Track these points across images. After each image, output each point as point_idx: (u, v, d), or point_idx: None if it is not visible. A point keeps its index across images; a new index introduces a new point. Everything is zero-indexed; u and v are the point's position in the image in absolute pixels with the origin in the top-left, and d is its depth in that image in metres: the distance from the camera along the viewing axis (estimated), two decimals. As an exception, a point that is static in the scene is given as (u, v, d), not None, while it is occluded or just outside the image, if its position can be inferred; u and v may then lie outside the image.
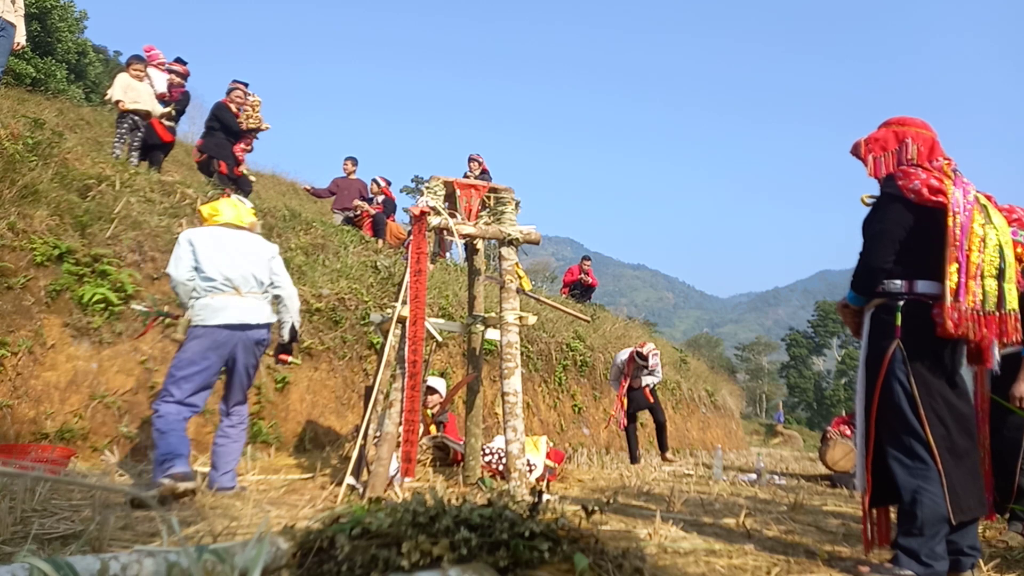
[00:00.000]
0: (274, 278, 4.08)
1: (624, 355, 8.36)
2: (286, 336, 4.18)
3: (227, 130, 8.37)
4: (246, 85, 8.98)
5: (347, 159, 11.19)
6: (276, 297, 4.11)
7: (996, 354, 2.67)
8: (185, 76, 8.90)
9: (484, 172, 11.18)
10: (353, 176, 11.17)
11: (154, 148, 8.37)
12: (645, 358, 8.10)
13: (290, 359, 4.42)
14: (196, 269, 3.83)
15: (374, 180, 11.24)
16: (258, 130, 8.83)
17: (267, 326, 3.99)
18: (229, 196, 4.52)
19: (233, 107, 8.61)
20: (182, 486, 3.33)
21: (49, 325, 4.89)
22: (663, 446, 8.59)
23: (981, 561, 2.65)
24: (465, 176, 10.68)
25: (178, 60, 8.99)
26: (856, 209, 2.95)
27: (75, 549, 2.22)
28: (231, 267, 3.86)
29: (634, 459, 8.17)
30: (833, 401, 55.87)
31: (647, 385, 8.26)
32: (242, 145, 8.63)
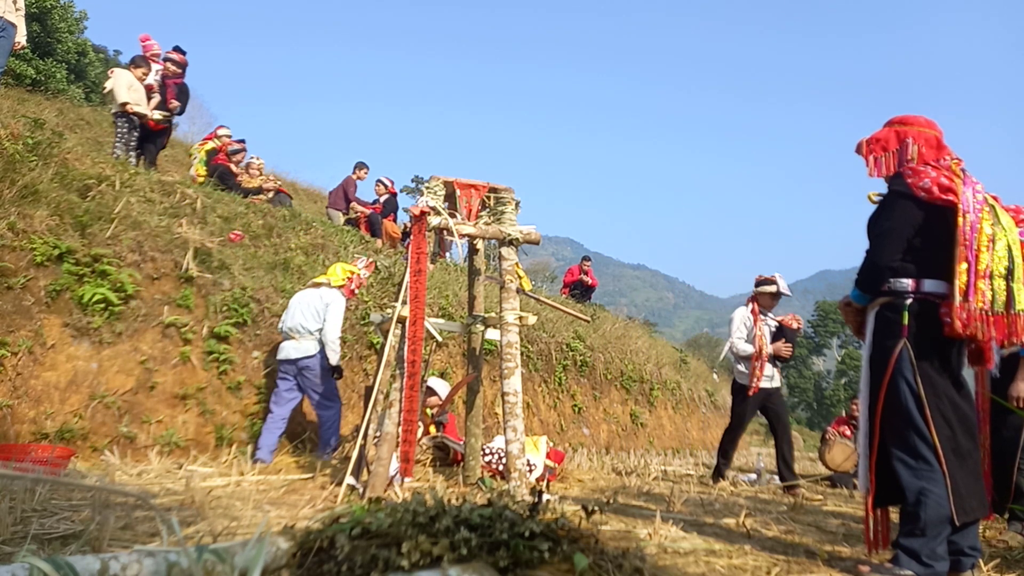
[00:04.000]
0: (323, 323, 5.43)
1: (741, 310, 6.25)
2: (328, 363, 5.49)
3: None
4: (242, 141, 9.59)
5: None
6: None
7: (995, 355, 2.67)
8: (183, 66, 8.66)
9: (392, 195, 11.38)
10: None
11: (144, 140, 8.28)
12: (772, 280, 6.14)
13: (334, 376, 5.57)
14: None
15: (379, 181, 11.35)
16: (260, 190, 9.08)
17: (310, 356, 5.39)
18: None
19: (234, 168, 9.07)
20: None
21: (49, 325, 4.89)
22: (787, 465, 6.02)
23: (981, 561, 2.65)
24: (374, 203, 11.06)
25: (176, 49, 8.74)
26: (857, 209, 2.94)
27: (75, 549, 2.22)
28: (291, 320, 5.51)
29: (721, 472, 6.21)
30: (833, 401, 55.78)
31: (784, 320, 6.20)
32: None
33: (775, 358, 6.03)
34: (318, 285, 5.67)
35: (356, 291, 6.01)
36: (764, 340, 5.95)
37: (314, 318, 5.44)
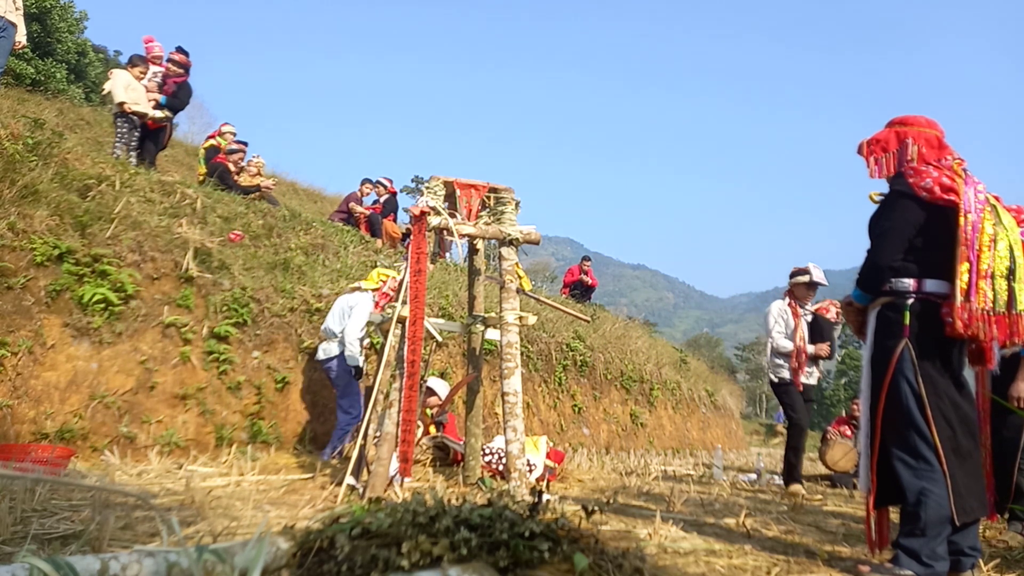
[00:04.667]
0: (344, 324, 5.57)
1: (777, 304, 6.08)
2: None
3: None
4: (244, 143, 9.55)
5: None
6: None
7: (995, 355, 2.67)
8: (186, 67, 8.62)
9: (392, 195, 11.43)
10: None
11: (144, 139, 8.28)
12: (806, 271, 5.88)
13: (355, 376, 5.67)
14: None
15: (379, 181, 11.37)
16: (257, 188, 9.10)
17: (332, 358, 5.58)
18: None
19: (232, 167, 9.06)
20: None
21: (49, 325, 4.89)
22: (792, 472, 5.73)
23: (981, 561, 2.65)
24: (374, 203, 11.14)
25: (179, 49, 8.71)
26: (857, 209, 2.94)
27: (75, 549, 2.22)
28: (324, 323, 5.81)
29: (794, 476, 5.68)
30: (833, 401, 55.78)
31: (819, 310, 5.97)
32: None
33: (815, 358, 5.89)
34: (355, 290, 5.86)
35: (391, 294, 6.00)
36: (804, 336, 5.78)
37: (339, 320, 5.64)
